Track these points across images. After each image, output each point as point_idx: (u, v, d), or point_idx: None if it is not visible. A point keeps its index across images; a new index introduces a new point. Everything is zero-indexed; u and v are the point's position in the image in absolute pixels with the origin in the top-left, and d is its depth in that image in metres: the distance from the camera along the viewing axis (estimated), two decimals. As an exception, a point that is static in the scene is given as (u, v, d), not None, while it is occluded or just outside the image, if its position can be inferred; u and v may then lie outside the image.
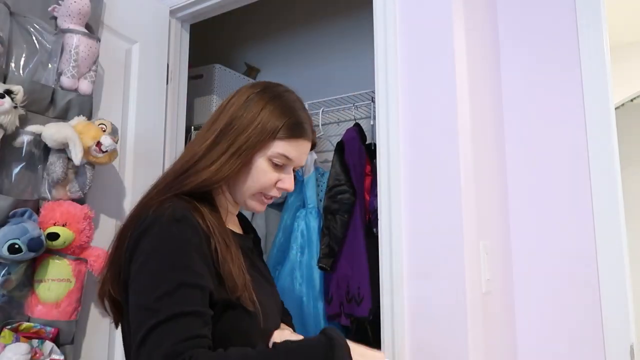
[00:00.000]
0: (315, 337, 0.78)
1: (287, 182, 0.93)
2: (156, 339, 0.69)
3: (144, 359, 0.69)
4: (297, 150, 0.92)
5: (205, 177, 0.85)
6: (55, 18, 1.37)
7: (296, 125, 0.91)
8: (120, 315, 0.87)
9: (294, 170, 0.96)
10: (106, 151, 1.32)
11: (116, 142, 1.36)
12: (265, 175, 0.90)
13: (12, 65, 1.25)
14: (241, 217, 1.07)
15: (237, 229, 0.99)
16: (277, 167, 0.91)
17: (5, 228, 1.14)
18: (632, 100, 3.02)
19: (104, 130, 1.35)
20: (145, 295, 0.74)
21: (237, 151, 0.87)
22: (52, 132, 1.23)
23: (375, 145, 1.37)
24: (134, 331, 0.72)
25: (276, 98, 0.92)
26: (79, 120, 1.32)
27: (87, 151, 1.29)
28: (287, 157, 0.90)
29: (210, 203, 0.89)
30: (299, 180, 1.96)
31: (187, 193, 0.85)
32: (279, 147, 0.89)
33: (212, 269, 0.79)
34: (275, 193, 0.94)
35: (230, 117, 0.89)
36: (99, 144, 1.30)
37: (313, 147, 0.98)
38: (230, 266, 0.80)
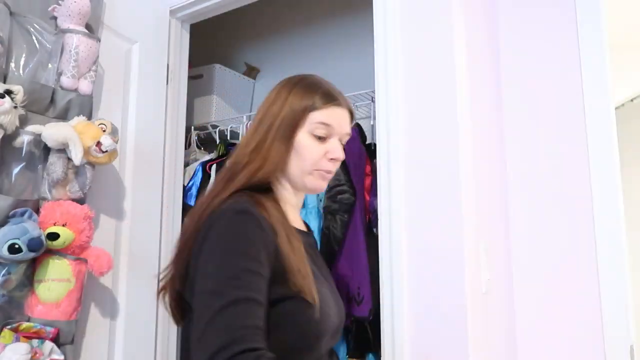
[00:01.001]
0: None
1: (337, 151, 0.94)
2: (221, 322, 0.72)
3: (211, 342, 0.70)
4: (333, 117, 0.93)
5: (255, 169, 0.89)
6: (55, 18, 1.36)
7: (326, 94, 0.94)
8: (182, 313, 0.89)
9: (341, 143, 0.97)
10: (106, 151, 1.32)
11: (116, 142, 1.36)
12: (312, 149, 0.92)
13: (12, 65, 1.25)
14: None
15: (301, 226, 0.99)
16: (321, 139, 0.92)
17: (5, 228, 1.14)
18: (632, 100, 3.01)
19: (104, 130, 1.34)
20: (211, 280, 0.77)
21: (276, 135, 0.90)
22: (52, 132, 1.23)
23: (375, 145, 1.37)
24: (198, 315, 0.75)
25: (301, 80, 0.96)
26: (79, 120, 1.32)
27: (87, 151, 1.29)
28: (325, 124, 0.92)
29: (272, 197, 0.91)
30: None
31: (247, 188, 0.88)
32: (316, 117, 0.92)
33: (272, 261, 0.80)
34: (328, 166, 0.94)
35: (265, 111, 0.94)
36: (99, 144, 1.30)
37: (352, 117, 0.99)
38: (293, 258, 0.82)
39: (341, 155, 0.95)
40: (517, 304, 1.42)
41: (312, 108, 0.92)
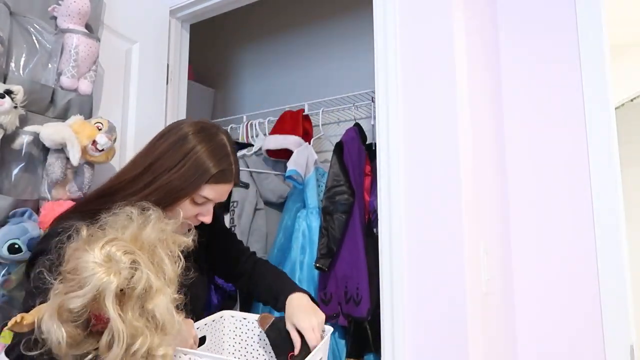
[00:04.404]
0: None
1: (207, 216, 0.99)
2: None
3: None
4: (218, 193, 0.98)
5: (128, 200, 0.87)
6: (55, 18, 1.36)
7: (221, 172, 0.96)
8: None
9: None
10: (102, 150, 1.31)
11: (113, 140, 1.36)
12: (186, 210, 0.96)
13: (12, 65, 1.24)
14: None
15: None
16: (197, 204, 0.97)
17: (5, 228, 1.14)
18: (632, 100, 3.01)
19: (100, 129, 1.34)
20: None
21: (159, 189, 0.91)
22: (50, 132, 1.23)
23: (375, 145, 1.37)
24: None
25: (206, 140, 0.96)
26: (75, 120, 1.31)
27: (84, 150, 1.29)
28: (207, 199, 0.97)
29: None
30: (298, 183, 1.97)
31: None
32: (203, 190, 0.95)
33: None
34: (195, 222, 0.99)
35: (159, 154, 0.94)
36: (94, 142, 1.30)
37: (235, 185, 1.04)
38: None
39: (209, 220, 1.00)
40: (517, 304, 1.42)
41: (204, 181, 0.94)
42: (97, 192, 0.98)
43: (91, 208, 0.90)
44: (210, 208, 0.99)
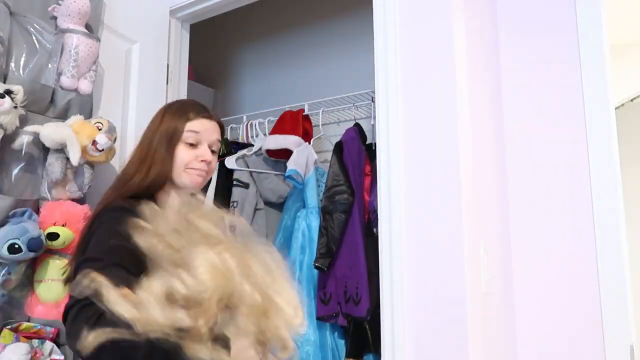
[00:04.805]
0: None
1: (206, 155, 1.09)
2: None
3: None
4: (203, 126, 1.10)
5: (142, 177, 1.04)
6: (55, 18, 1.37)
7: (198, 108, 1.11)
8: None
9: (213, 153, 1.13)
10: (102, 150, 1.32)
11: (113, 140, 1.36)
12: (185, 155, 1.07)
13: (12, 65, 1.25)
14: None
15: None
16: (193, 146, 1.08)
17: (6, 228, 1.14)
18: (632, 100, 3.01)
19: (100, 129, 1.34)
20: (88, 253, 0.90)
21: (157, 146, 1.07)
22: (50, 132, 1.23)
23: (375, 145, 1.37)
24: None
25: (177, 102, 1.17)
26: (75, 120, 1.32)
27: (84, 150, 1.29)
28: (195, 132, 1.08)
29: (150, 202, 1.03)
30: (298, 182, 1.97)
31: (133, 194, 1.02)
32: (188, 126, 1.08)
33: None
34: (199, 165, 1.09)
35: (146, 129, 1.12)
36: (94, 142, 1.30)
37: (222, 130, 1.16)
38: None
39: (209, 158, 1.10)
40: (517, 304, 1.42)
41: (186, 120, 1.08)
42: (115, 182, 1.09)
43: (124, 193, 1.03)
44: (205, 147, 1.10)
